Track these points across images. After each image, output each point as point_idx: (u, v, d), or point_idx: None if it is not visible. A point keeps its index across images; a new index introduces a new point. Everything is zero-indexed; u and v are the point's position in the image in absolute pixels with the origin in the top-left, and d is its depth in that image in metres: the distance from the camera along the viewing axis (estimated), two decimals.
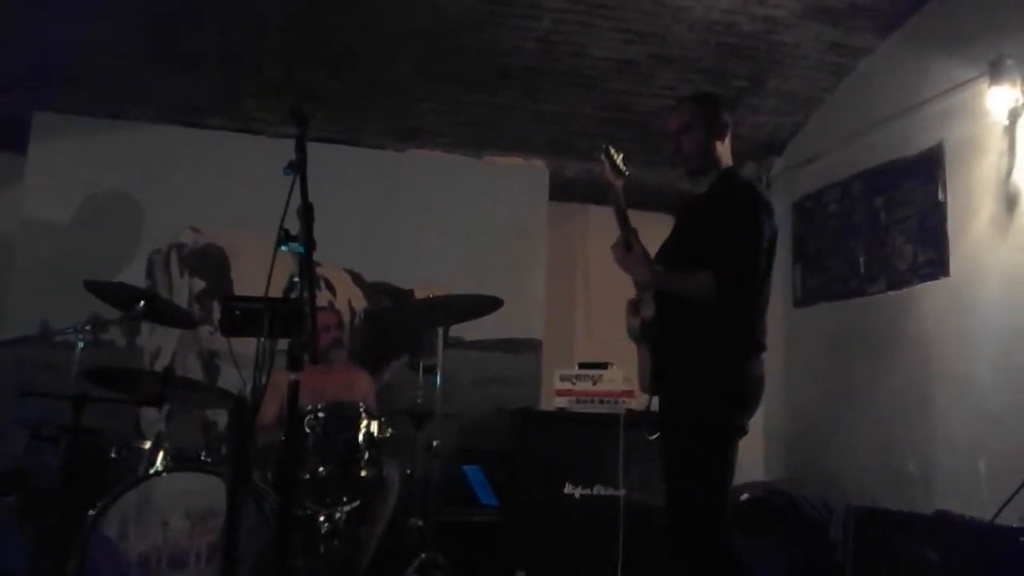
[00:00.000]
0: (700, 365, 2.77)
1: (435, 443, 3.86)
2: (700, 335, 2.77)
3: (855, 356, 4.83)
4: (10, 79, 4.91)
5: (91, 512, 3.08)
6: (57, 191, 5.15)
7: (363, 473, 3.37)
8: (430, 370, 4.07)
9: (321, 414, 3.40)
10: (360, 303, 5.44)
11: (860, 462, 4.64)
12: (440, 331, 4.05)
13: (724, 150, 2.98)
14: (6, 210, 5.19)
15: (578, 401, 4.68)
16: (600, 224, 6.36)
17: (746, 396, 2.79)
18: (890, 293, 4.58)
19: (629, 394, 4.63)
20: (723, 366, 2.76)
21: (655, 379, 2.92)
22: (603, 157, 3.06)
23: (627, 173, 3.05)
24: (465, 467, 4.80)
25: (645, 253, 2.91)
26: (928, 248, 4.33)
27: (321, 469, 3.30)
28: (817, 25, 4.56)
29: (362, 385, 4.46)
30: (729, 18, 4.51)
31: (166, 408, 3.64)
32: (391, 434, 3.55)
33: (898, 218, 4.56)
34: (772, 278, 2.90)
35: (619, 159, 3.06)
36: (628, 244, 2.92)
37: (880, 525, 4.27)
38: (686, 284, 2.84)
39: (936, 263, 4.27)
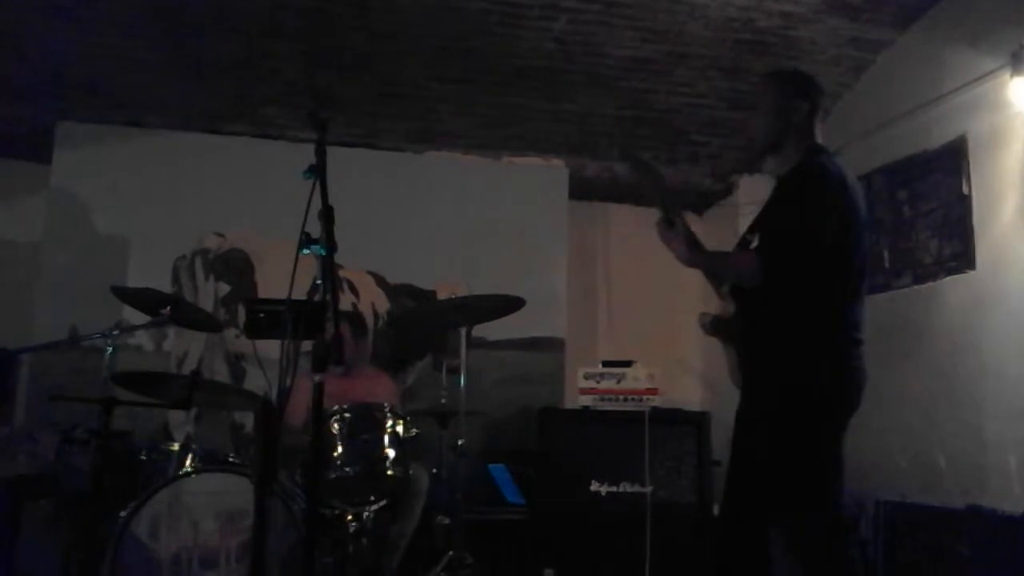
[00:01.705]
0: (793, 362, 2.61)
1: (460, 442, 3.87)
2: (787, 329, 2.62)
3: (882, 351, 4.74)
4: (33, 90, 4.99)
5: (122, 514, 3.13)
6: (82, 199, 5.23)
7: (389, 472, 3.38)
8: (454, 370, 4.08)
9: (347, 415, 3.41)
10: (383, 305, 5.47)
11: (889, 457, 4.61)
12: (463, 331, 4.06)
13: (800, 131, 2.80)
14: (33, 218, 5.28)
15: (602, 399, 4.68)
16: (620, 222, 6.39)
17: (844, 392, 2.63)
18: (916, 287, 4.55)
19: (654, 391, 4.63)
20: (816, 362, 2.60)
21: (743, 377, 2.77)
22: (633, 168, 2.90)
23: (662, 174, 2.92)
24: (491, 466, 4.81)
25: (688, 231, 2.77)
26: (953, 241, 4.30)
27: (348, 469, 3.31)
28: (834, 19, 4.54)
29: (384, 388, 4.47)
30: (745, 14, 4.50)
31: (194, 411, 3.68)
32: (416, 434, 3.57)
33: (922, 211, 4.52)
34: (858, 269, 2.71)
35: (647, 161, 2.94)
36: (670, 221, 2.78)
37: (911, 520, 4.25)
38: (727, 263, 2.77)
39: (962, 256, 4.24)
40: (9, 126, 5.34)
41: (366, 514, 3.40)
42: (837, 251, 2.63)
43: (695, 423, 4.67)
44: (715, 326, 2.84)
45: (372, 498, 3.39)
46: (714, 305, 2.91)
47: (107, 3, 4.25)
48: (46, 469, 4.33)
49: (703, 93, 5.11)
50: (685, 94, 5.13)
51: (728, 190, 6.04)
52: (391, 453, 3.42)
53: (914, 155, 4.58)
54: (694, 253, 2.75)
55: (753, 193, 5.79)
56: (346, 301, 5.25)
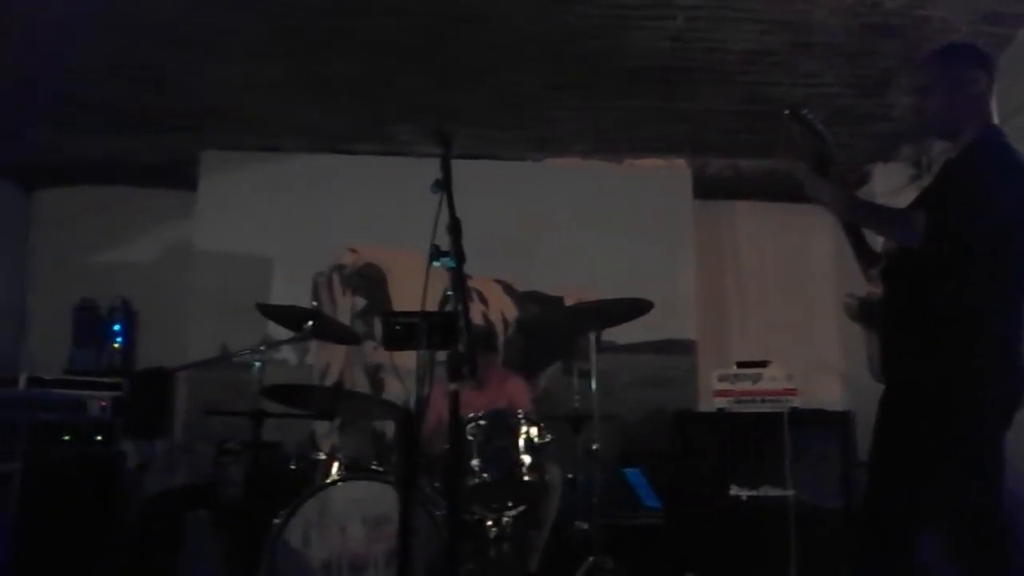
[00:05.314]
0: (954, 354, 2.42)
1: (594, 447, 3.87)
2: (947, 318, 2.44)
3: None
4: (180, 121, 5.33)
5: (276, 521, 3.28)
6: (226, 223, 5.55)
7: (526, 478, 3.41)
8: (585, 375, 4.09)
9: (482, 422, 3.47)
10: (512, 313, 5.55)
11: None
12: (592, 336, 4.06)
13: (979, 107, 2.61)
14: (184, 243, 5.64)
15: (738, 401, 4.59)
16: (748, 219, 6.26)
17: (1012, 389, 2.44)
18: None
19: (792, 392, 4.51)
20: (981, 355, 2.42)
21: (886, 368, 2.58)
22: (794, 123, 2.63)
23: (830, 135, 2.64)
24: (626, 470, 4.79)
25: (843, 178, 2.59)
26: None
27: (485, 475, 3.36)
28: None
29: (519, 393, 4.51)
30: None
31: (338, 420, 3.82)
32: (550, 439, 3.59)
33: None
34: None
35: (817, 122, 2.64)
36: (823, 166, 2.59)
37: None
38: (887, 216, 2.59)
39: None
40: (156, 157, 5.72)
41: (505, 519, 3.45)
42: (1011, 237, 2.43)
43: (838, 423, 4.52)
44: (861, 311, 2.67)
45: (510, 503, 3.44)
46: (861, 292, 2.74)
47: (238, 33, 4.48)
48: (204, 480, 4.60)
49: (829, 82, 4.95)
50: (810, 84, 4.97)
51: (863, 180, 5.81)
52: (527, 459, 3.45)
53: None
54: (850, 200, 2.60)
55: (889, 182, 5.57)
56: (475, 310, 5.35)
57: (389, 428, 4.73)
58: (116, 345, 5.52)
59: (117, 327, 5.56)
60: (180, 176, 5.75)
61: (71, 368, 5.27)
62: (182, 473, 5.02)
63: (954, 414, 2.41)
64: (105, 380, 4.71)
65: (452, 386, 2.34)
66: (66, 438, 4.27)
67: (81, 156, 5.72)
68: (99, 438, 4.37)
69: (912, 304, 2.53)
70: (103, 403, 4.47)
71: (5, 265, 5.71)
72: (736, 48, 4.71)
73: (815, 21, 4.49)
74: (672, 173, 5.88)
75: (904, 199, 2.87)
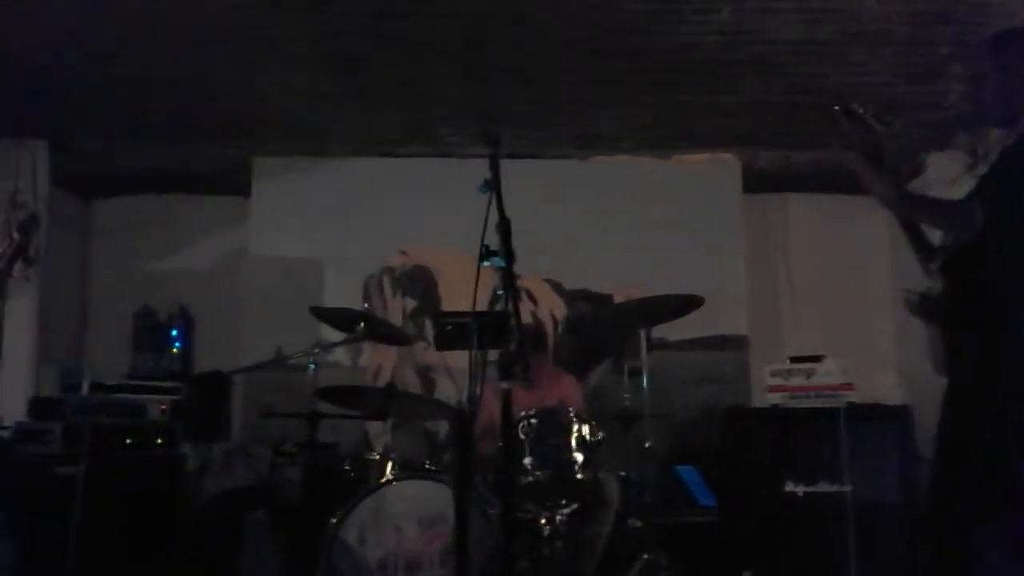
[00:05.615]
0: (1011, 352, 2.38)
1: (647, 444, 3.86)
2: (1004, 316, 2.40)
3: None
4: (232, 129, 5.43)
5: (332, 521, 3.32)
6: (278, 228, 5.65)
7: (579, 476, 3.41)
8: (635, 372, 4.07)
9: (534, 420, 3.47)
10: (561, 311, 5.55)
11: None
12: (642, 333, 4.04)
13: None
14: (238, 249, 5.74)
15: (792, 396, 4.54)
16: (800, 212, 6.18)
17: None
18: None
19: (848, 387, 4.44)
20: None
21: (950, 362, 2.55)
22: (843, 117, 2.59)
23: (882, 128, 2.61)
24: (679, 468, 4.76)
25: (896, 170, 2.61)
26: None
27: (538, 473, 3.37)
28: None
29: (570, 392, 4.50)
30: None
31: (390, 421, 3.87)
32: (603, 437, 3.58)
33: None
34: None
35: (868, 115, 2.61)
36: (875, 158, 2.55)
37: None
38: (941, 209, 2.57)
39: None
40: (209, 165, 5.84)
41: (559, 517, 3.45)
42: None
43: (896, 418, 4.43)
44: (922, 306, 2.62)
45: (563, 501, 3.44)
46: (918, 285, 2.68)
47: (287, 42, 4.54)
48: (262, 482, 4.68)
49: (880, 71, 4.85)
50: (861, 74, 4.88)
51: (917, 170, 5.70)
52: (579, 457, 3.44)
53: None
54: (901, 194, 2.56)
55: (945, 171, 5.44)
56: (525, 309, 5.36)
57: (441, 428, 4.76)
58: (175, 350, 5.64)
59: (175, 332, 5.69)
60: (233, 183, 5.87)
61: (132, 373, 5.40)
62: (239, 475, 5.11)
63: (1019, 409, 2.36)
64: (165, 384, 4.82)
65: (504, 385, 2.35)
66: (128, 441, 4.37)
67: (137, 166, 5.87)
68: (160, 441, 4.47)
69: (973, 297, 2.48)
70: (163, 407, 4.58)
71: (67, 274, 5.86)
72: (783, 39, 4.64)
73: (864, 9, 4.41)
74: (721, 167, 5.83)
75: (960, 189, 2.81)
